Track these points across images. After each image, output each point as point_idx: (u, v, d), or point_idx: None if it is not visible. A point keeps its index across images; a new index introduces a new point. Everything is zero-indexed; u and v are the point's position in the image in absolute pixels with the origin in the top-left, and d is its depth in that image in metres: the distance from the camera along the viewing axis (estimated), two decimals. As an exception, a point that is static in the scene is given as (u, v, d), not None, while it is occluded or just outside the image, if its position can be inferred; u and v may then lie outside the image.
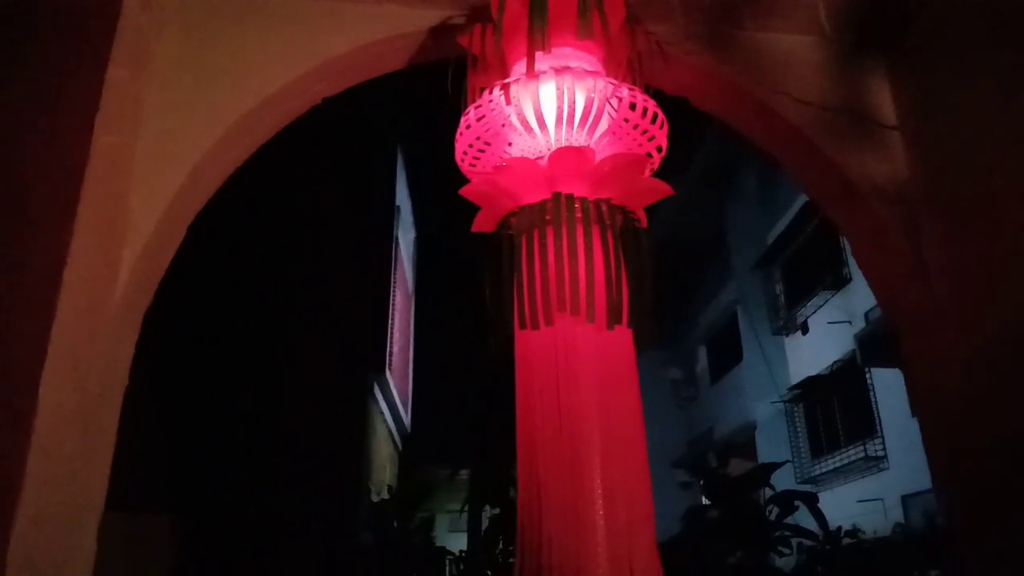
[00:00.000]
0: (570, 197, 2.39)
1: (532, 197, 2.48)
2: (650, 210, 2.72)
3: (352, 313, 10.37)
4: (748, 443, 16.09)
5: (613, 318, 2.31)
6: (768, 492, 5.47)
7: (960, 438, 2.76)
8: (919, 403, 3.07)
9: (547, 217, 2.40)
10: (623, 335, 2.38)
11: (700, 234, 17.33)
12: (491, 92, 2.53)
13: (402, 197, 13.75)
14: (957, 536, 2.80)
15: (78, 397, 2.32)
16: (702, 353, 19.42)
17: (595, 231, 2.38)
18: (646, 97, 2.55)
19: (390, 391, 12.35)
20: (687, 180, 15.31)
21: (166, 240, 2.80)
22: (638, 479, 2.29)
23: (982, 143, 2.70)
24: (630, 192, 2.51)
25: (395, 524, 8.65)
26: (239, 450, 8.77)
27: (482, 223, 2.64)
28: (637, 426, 2.34)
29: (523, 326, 2.35)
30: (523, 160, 2.48)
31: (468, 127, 2.61)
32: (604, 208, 2.42)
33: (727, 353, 17.56)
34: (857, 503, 11.98)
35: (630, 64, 2.74)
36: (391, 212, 12.65)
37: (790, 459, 12.84)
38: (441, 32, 3.11)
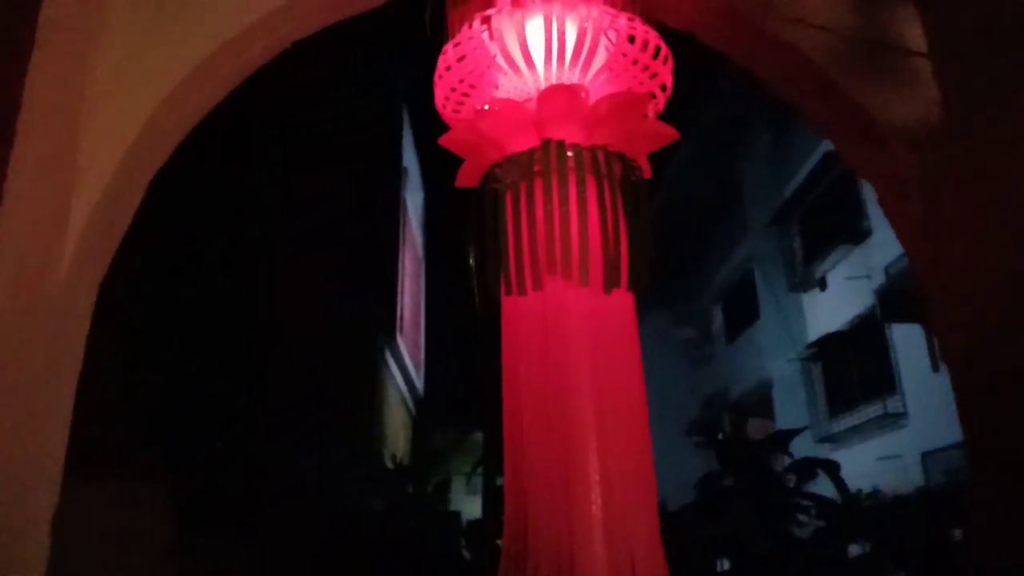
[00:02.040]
0: (560, 144, 2.10)
1: (519, 145, 2.19)
2: (657, 159, 2.43)
3: (360, 278, 10.16)
4: (765, 402, 15.89)
5: (611, 281, 2.04)
6: (787, 459, 5.24)
7: (988, 397, 2.49)
8: (948, 360, 2.79)
9: (535, 167, 2.11)
10: (622, 299, 2.11)
11: (714, 188, 16.90)
12: (471, 26, 2.23)
13: (409, 158, 13.45)
14: (981, 493, 2.56)
15: (19, 377, 2.10)
16: (717, 311, 19.11)
17: (590, 182, 2.09)
18: (648, 28, 2.24)
19: (401, 356, 12.19)
20: (699, 130, 14.86)
21: (121, 200, 2.54)
22: (639, 459, 2.04)
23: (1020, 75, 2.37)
24: (630, 137, 2.21)
25: (410, 489, 8.52)
26: (247, 418, 8.65)
27: (466, 176, 2.36)
28: (638, 401, 2.08)
29: (509, 291, 2.08)
30: (508, 103, 2.19)
31: (448, 68, 2.32)
32: (600, 156, 2.13)
33: (743, 311, 17.26)
34: (877, 460, 11.76)
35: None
36: (398, 173, 12.36)
37: (807, 423, 12.61)
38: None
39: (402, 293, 12.38)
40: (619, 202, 2.11)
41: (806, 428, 10.43)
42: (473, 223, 2.24)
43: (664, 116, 2.42)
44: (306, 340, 9.41)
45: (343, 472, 8.07)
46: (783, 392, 15.34)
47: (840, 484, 5.14)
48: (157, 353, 8.27)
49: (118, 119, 2.45)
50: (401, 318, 12.17)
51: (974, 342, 2.56)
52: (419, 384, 14.99)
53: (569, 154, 2.10)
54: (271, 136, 9.89)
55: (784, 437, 5.57)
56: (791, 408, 14.82)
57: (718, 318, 19.08)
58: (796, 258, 15.08)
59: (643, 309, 2.27)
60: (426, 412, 15.32)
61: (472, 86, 2.38)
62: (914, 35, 2.67)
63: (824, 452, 12.62)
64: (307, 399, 8.92)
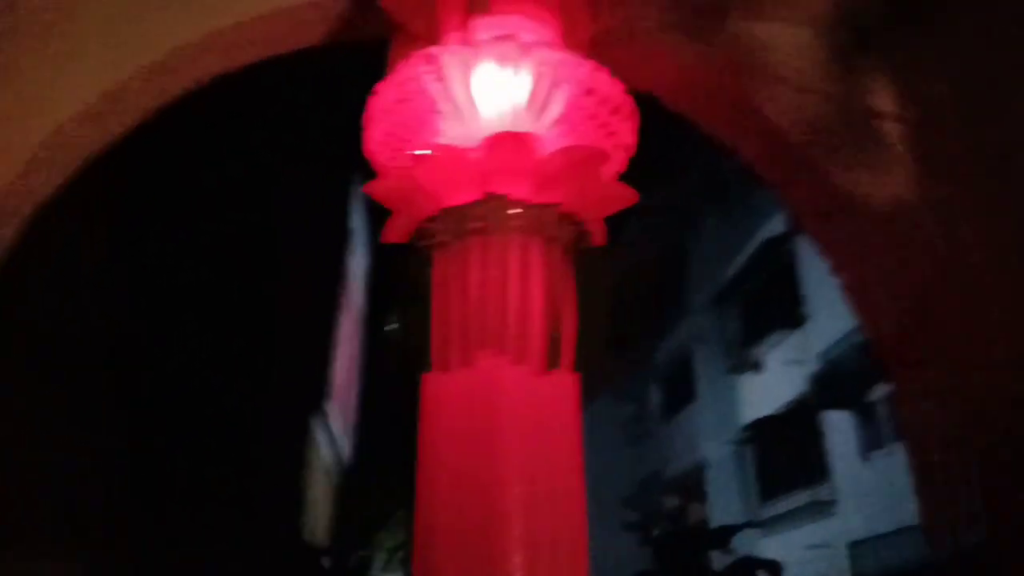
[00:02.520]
0: (504, 199, 1.84)
1: (457, 198, 1.92)
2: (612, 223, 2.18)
3: (295, 341, 9.69)
4: (699, 484, 15.70)
5: (552, 359, 1.75)
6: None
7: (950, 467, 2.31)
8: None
9: (474, 224, 1.84)
10: (564, 381, 1.82)
11: (658, 263, 16.96)
12: (414, 65, 1.97)
13: (357, 212, 13.12)
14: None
15: None
16: (656, 389, 19.01)
17: (535, 244, 1.82)
18: (613, 80, 2.02)
19: (329, 422, 11.63)
20: (644, 203, 14.95)
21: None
22: (572, 557, 1.73)
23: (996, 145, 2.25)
24: (585, 197, 1.96)
25: (327, 565, 7.95)
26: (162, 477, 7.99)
27: (395, 231, 2.06)
28: (574, 497, 1.78)
29: (432, 367, 1.78)
30: (448, 148, 1.92)
31: (385, 111, 2.05)
32: (549, 215, 1.87)
33: (681, 390, 17.17)
34: (806, 548, 11.59)
35: (593, 45, 2.22)
36: (343, 238, 12.02)
37: (739, 506, 12.44)
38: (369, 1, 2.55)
39: (336, 358, 11.90)
40: (567, 269, 1.85)
41: (747, 525, 10.23)
42: (400, 286, 1.95)
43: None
44: (229, 402, 8.84)
45: (257, 546, 7.49)
46: (717, 474, 15.19)
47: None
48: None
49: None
50: (333, 383, 11.66)
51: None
52: (345, 450, 14.32)
53: (514, 211, 1.84)
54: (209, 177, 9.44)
55: (726, 533, 5.30)
56: (724, 491, 14.66)
57: (656, 396, 18.96)
58: (734, 340, 15.12)
59: (588, 388, 1.99)
60: (353, 482, 14.57)
61: (411, 131, 2.11)
62: (885, 101, 2.53)
63: (754, 538, 12.43)
64: (228, 464, 8.33)
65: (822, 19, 2.53)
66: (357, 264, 14.25)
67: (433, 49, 1.97)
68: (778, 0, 2.52)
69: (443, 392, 1.82)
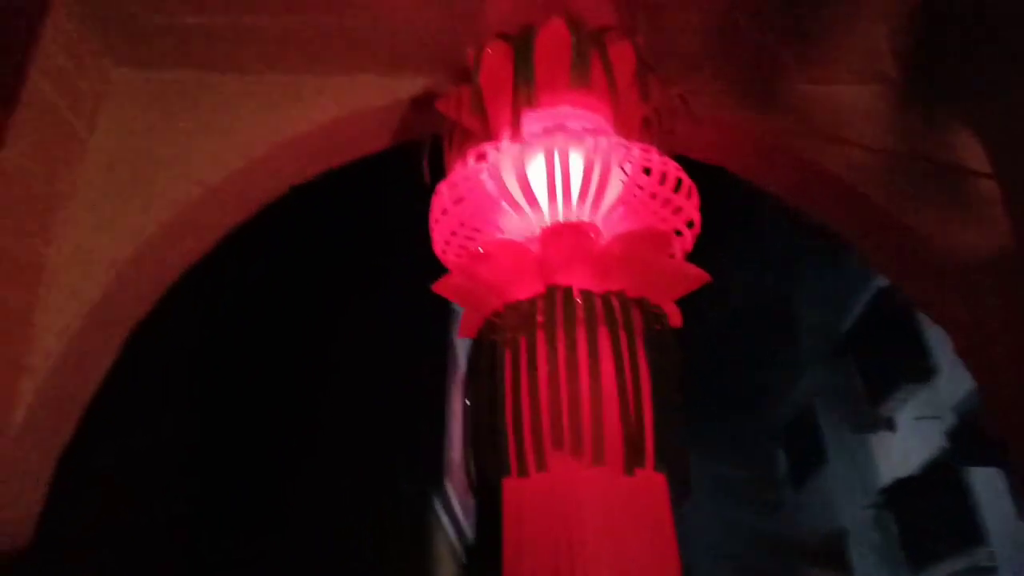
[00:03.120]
0: (567, 290, 1.77)
1: (522, 292, 1.87)
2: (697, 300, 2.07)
3: (406, 424, 9.77)
4: (840, 553, 14.65)
5: (632, 459, 1.64)
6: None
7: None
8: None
9: (538, 319, 1.78)
10: (649, 480, 1.70)
11: (764, 323, 16.36)
12: (467, 164, 1.98)
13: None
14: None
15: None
16: (779, 454, 18.05)
17: (603, 335, 1.74)
18: (666, 159, 1.96)
19: (450, 501, 11.57)
20: (745, 261, 14.56)
21: (85, 360, 2.28)
22: None
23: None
24: (651, 281, 1.87)
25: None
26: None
27: (467, 327, 2.04)
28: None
29: (507, 472, 1.70)
30: (507, 243, 1.89)
31: (444, 212, 2.05)
32: (615, 303, 1.79)
33: (808, 452, 16.23)
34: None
35: (647, 124, 2.17)
36: (447, 315, 12.20)
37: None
38: (427, 102, 2.61)
39: (450, 436, 11.92)
40: (640, 359, 1.75)
41: None
42: (472, 385, 1.90)
43: (699, 251, 2.10)
44: (346, 488, 8.94)
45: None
46: (858, 541, 14.15)
47: None
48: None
49: (84, 277, 2.23)
50: (449, 462, 11.64)
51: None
52: (469, 531, 14.19)
53: (577, 302, 1.77)
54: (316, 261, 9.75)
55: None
56: (867, 559, 13.62)
57: (782, 461, 17.98)
58: (860, 397, 14.26)
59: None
60: (478, 560, 14.35)
61: (475, 228, 2.11)
62: (974, 157, 2.34)
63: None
64: (347, 556, 8.35)
65: (890, 75, 2.40)
66: (464, 343, 14.37)
67: (485, 146, 1.96)
68: (840, 59, 2.40)
69: (522, 498, 1.73)
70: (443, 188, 2.02)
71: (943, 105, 2.48)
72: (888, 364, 12.76)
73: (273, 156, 2.52)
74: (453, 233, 2.11)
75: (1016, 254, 2.25)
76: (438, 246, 2.13)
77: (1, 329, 2.04)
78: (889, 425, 13.25)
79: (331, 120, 2.58)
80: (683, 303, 2.01)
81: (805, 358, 15.80)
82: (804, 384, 16.13)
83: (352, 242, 9.84)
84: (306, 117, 2.56)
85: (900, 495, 12.78)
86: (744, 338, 16.34)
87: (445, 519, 11.62)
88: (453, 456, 12.22)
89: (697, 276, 1.91)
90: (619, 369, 1.71)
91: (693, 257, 2.07)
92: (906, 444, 12.58)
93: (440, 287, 2.00)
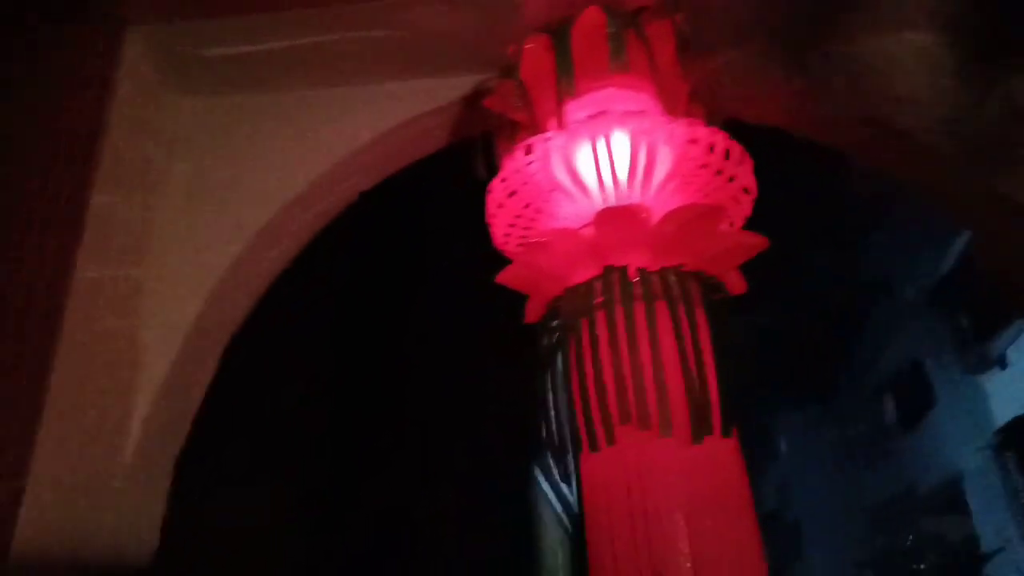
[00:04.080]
0: (623, 270, 1.83)
1: (581, 275, 1.94)
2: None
3: (506, 394, 9.99)
4: (958, 498, 14.16)
5: (699, 428, 1.70)
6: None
7: None
8: None
9: (597, 300, 1.85)
10: (719, 446, 1.76)
11: (858, 272, 15.83)
12: (516, 158, 2.05)
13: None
14: None
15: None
16: (888, 402, 17.50)
17: (660, 309, 1.80)
18: (713, 130, 1.98)
19: (551, 470, 11.78)
20: (836, 212, 14.11)
21: (189, 378, 2.48)
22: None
23: None
24: (707, 253, 1.91)
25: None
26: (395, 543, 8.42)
27: (531, 313, 2.12)
28: (753, 564, 1.69)
29: (580, 448, 1.79)
30: (561, 231, 1.96)
31: (500, 206, 2.13)
32: (672, 279, 1.84)
33: (915, 399, 15.69)
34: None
35: (695, 98, 2.19)
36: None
37: (1008, 517, 11.04)
38: (476, 101, 2.70)
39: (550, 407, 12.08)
40: (700, 330, 1.80)
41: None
42: (539, 367, 1.99)
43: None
44: (455, 462, 9.20)
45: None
46: (976, 485, 13.63)
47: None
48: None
49: (179, 300, 2.43)
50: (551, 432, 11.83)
51: None
52: (572, 498, 14.41)
53: (634, 281, 1.83)
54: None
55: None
56: (988, 502, 13.11)
57: (889, 409, 17.44)
58: (967, 337, 13.68)
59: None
60: (583, 529, 14.56)
61: (532, 218, 2.18)
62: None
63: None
64: (459, 528, 8.63)
65: (943, 20, 2.32)
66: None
67: (532, 139, 2.03)
68: (887, 9, 2.34)
69: (596, 472, 1.82)
70: (496, 184, 2.10)
71: (1006, 53, 2.38)
72: (992, 302, 12.18)
73: (341, 165, 2.65)
74: (511, 226, 2.19)
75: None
76: (498, 239, 2.22)
77: (112, 357, 2.24)
78: (1001, 363, 12.67)
79: (388, 128, 2.69)
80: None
81: (907, 306, 15.24)
82: (909, 331, 15.57)
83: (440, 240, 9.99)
84: (367, 126, 2.68)
85: (1017, 434, 12.25)
86: (843, 296, 15.88)
87: (547, 487, 11.84)
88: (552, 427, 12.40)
89: (755, 244, 1.94)
90: (680, 341, 1.77)
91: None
92: (1020, 381, 12.00)
93: (504, 278, 2.08)
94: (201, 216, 2.55)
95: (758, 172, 2.03)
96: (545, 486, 11.61)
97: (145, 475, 2.33)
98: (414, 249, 9.06)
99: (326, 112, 2.70)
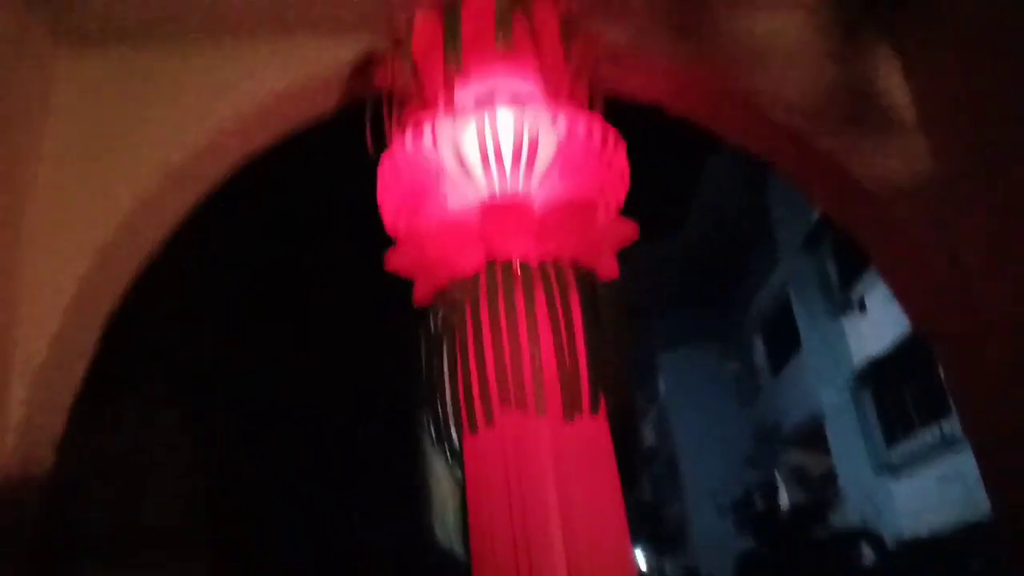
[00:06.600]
0: (506, 265, 1.91)
1: (467, 263, 2.00)
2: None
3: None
4: (818, 435, 15.27)
5: (570, 407, 1.83)
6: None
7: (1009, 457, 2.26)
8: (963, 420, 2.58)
9: (480, 289, 1.92)
10: (590, 425, 1.89)
11: (743, 216, 16.55)
12: (404, 137, 2.07)
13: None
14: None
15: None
16: (758, 342, 18.56)
17: (539, 299, 1.89)
18: (594, 116, 2.06)
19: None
20: (720, 161, 14.61)
21: (69, 352, 2.41)
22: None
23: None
24: (584, 242, 2.01)
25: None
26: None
27: (421, 296, 2.17)
28: (617, 538, 1.85)
29: (460, 428, 1.88)
30: (447, 223, 2.01)
31: (388, 184, 2.15)
32: (550, 269, 1.93)
33: (784, 340, 16.70)
34: (938, 484, 11.16)
35: (577, 77, 2.25)
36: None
37: (863, 453, 12.03)
38: (370, 65, 2.66)
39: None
40: (574, 317, 1.90)
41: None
42: (424, 352, 2.05)
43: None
44: (348, 405, 9.19)
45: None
46: (836, 423, 14.73)
47: (885, 555, 4.76)
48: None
49: (58, 270, 2.34)
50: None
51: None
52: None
53: (515, 273, 1.91)
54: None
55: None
56: (845, 439, 14.22)
57: (759, 349, 18.52)
58: (832, 281, 14.60)
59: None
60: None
61: (416, 200, 2.20)
62: (897, 90, 2.45)
63: (885, 482, 12.07)
64: (349, 474, 8.71)
65: (813, 3, 2.47)
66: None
67: (420, 117, 2.05)
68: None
69: (477, 451, 1.92)
70: (384, 161, 2.12)
71: (866, 32, 2.56)
72: (858, 248, 12.99)
73: (224, 130, 2.58)
74: (399, 204, 2.21)
75: (933, 177, 2.39)
76: (388, 219, 2.23)
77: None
78: (861, 307, 13.58)
79: (277, 88, 2.63)
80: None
81: (779, 250, 16.05)
82: (778, 273, 16.45)
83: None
84: (253, 86, 2.61)
85: (874, 375, 13.27)
86: (725, 233, 16.54)
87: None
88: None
89: (628, 233, 2.05)
90: (555, 329, 1.87)
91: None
92: (878, 323, 12.93)
93: (388, 259, 2.11)
94: (81, 183, 2.45)
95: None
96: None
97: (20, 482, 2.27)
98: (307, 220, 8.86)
99: (210, 71, 2.61)
